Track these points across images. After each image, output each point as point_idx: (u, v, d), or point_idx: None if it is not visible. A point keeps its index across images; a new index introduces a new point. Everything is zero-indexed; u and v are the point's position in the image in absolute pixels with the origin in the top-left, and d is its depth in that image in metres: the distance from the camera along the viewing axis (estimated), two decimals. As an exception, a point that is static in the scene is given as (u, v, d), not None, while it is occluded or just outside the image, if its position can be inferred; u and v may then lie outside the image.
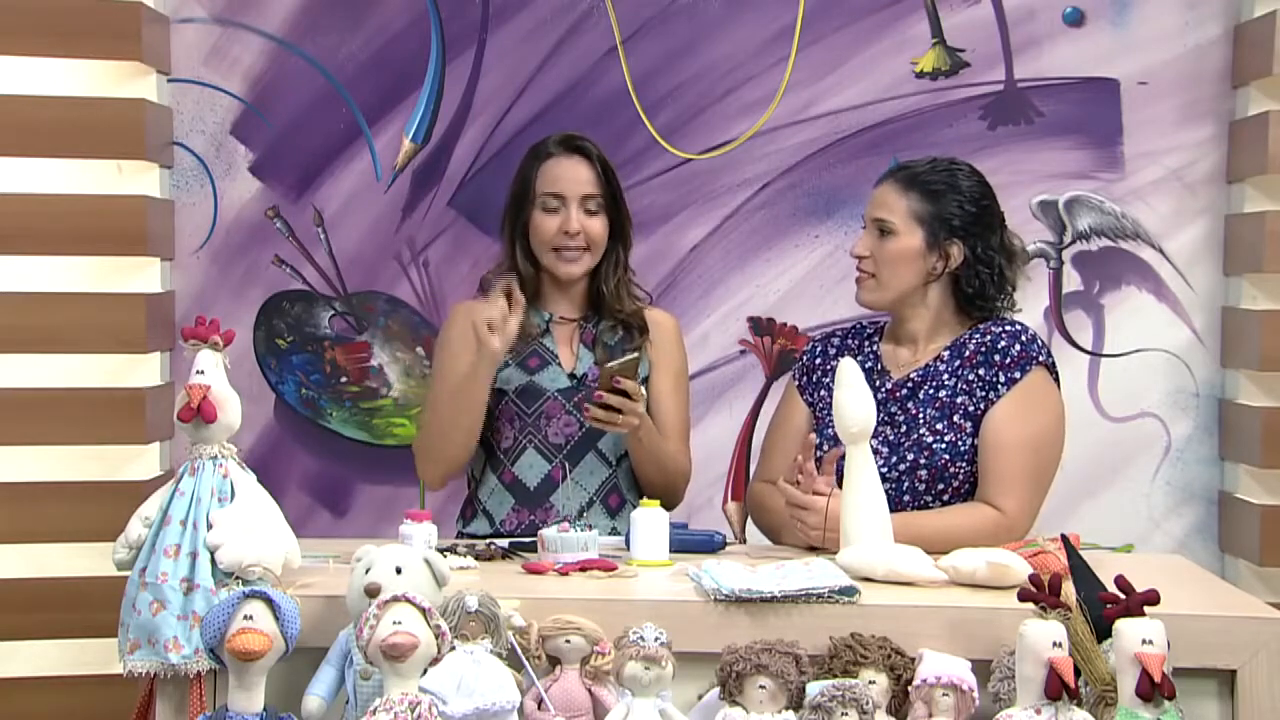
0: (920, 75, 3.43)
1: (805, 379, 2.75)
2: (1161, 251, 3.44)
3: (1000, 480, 2.50)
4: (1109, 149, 3.43)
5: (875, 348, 2.70)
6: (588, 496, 2.77)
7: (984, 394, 2.55)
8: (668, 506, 2.52)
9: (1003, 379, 2.54)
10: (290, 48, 3.43)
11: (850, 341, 2.74)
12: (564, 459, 2.75)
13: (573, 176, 2.78)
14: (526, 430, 2.75)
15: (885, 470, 2.54)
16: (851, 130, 3.43)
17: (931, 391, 2.59)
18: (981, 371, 2.56)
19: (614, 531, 2.73)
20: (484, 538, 2.70)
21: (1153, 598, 1.91)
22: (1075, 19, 3.41)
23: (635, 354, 2.66)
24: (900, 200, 2.59)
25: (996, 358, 2.56)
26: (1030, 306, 3.39)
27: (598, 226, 2.78)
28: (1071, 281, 3.45)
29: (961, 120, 3.41)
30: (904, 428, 2.58)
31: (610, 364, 2.60)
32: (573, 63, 3.44)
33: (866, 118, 3.43)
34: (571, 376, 2.77)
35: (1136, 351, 3.45)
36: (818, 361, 2.74)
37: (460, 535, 2.83)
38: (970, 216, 2.60)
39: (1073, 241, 3.45)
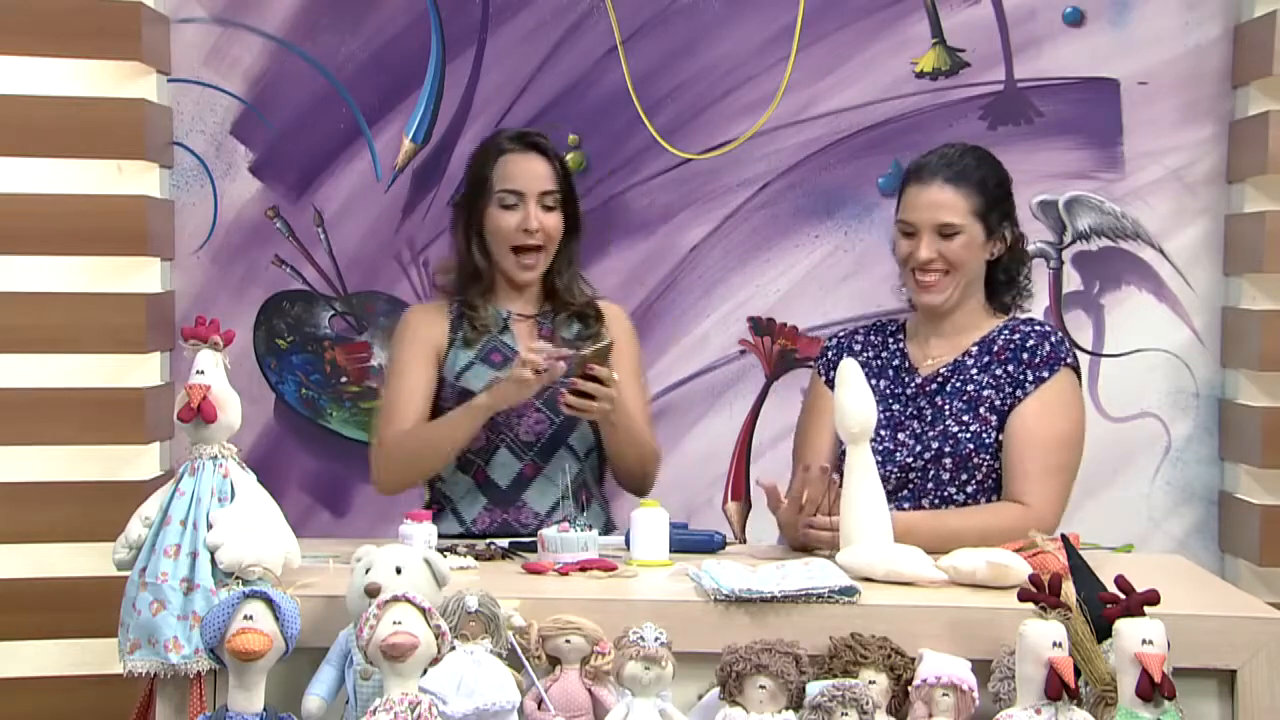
0: (920, 75, 3.43)
1: (833, 373, 2.68)
2: (1161, 251, 3.44)
3: (1026, 476, 2.51)
4: (1109, 149, 3.43)
5: (901, 345, 2.70)
6: (559, 494, 2.77)
7: (1011, 390, 2.57)
8: (642, 490, 2.63)
9: (1030, 377, 2.57)
10: (290, 48, 3.43)
11: (874, 338, 2.73)
12: (536, 456, 2.75)
13: (531, 173, 2.78)
14: (498, 430, 2.74)
15: (911, 460, 2.56)
16: (851, 130, 3.43)
17: (959, 385, 2.60)
18: (1010, 368, 2.59)
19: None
20: (455, 537, 2.69)
21: (1153, 598, 1.91)
22: (1075, 19, 3.41)
23: (608, 340, 2.65)
24: (959, 199, 2.58)
25: (1025, 355, 2.59)
26: (1030, 306, 3.41)
27: (554, 222, 2.78)
28: (1071, 281, 3.45)
29: (961, 120, 3.41)
30: (930, 419, 2.60)
31: (584, 351, 2.60)
32: (573, 63, 3.44)
33: (866, 118, 3.43)
34: (535, 373, 2.76)
35: (1136, 351, 3.45)
36: (845, 358, 2.69)
37: None
38: (1011, 200, 2.66)
39: (1073, 241, 3.45)
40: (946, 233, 2.58)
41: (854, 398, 2.37)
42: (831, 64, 3.43)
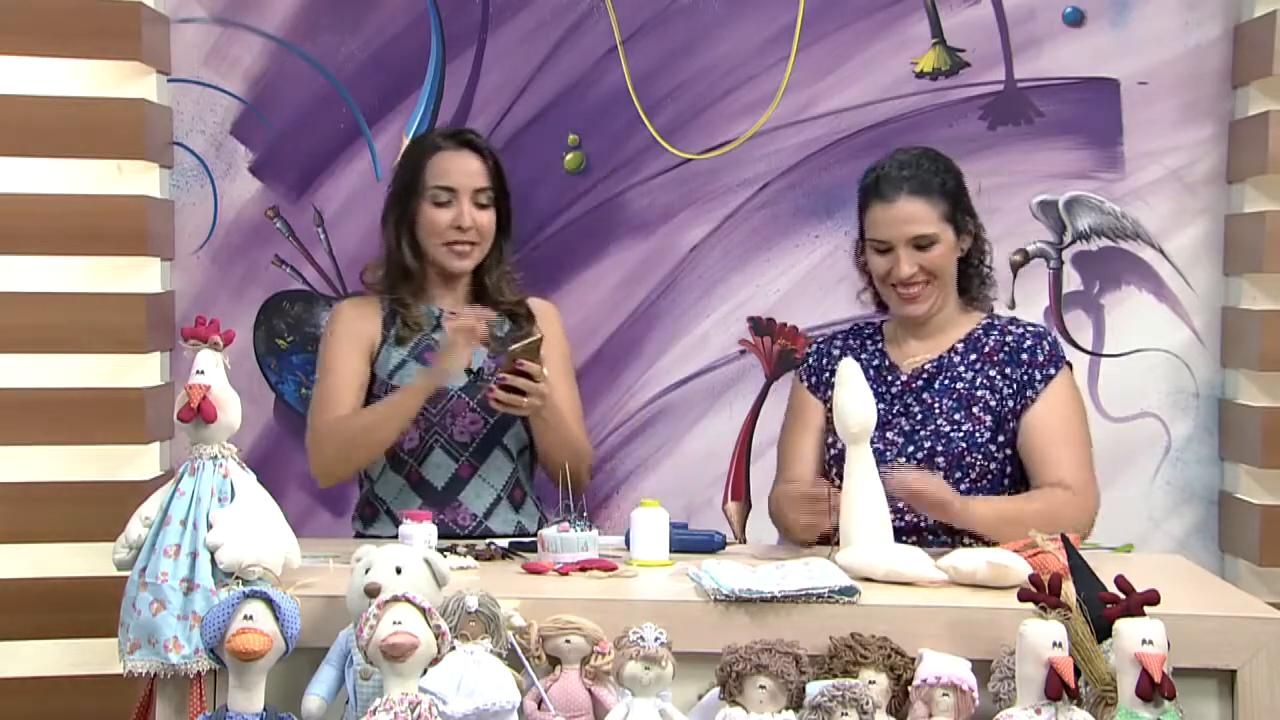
0: (920, 75, 3.43)
1: (815, 379, 2.75)
2: (1161, 251, 3.43)
3: (1060, 465, 2.55)
4: (1109, 149, 3.42)
5: (880, 347, 2.72)
6: (495, 494, 2.77)
7: (1015, 392, 2.59)
8: (580, 490, 2.59)
9: (1039, 377, 2.60)
10: (290, 48, 3.42)
11: (852, 342, 2.76)
12: (471, 457, 2.76)
13: (464, 169, 2.78)
14: (433, 430, 2.74)
15: (903, 460, 2.57)
16: (851, 130, 3.43)
17: (947, 383, 2.62)
18: (1008, 370, 2.61)
19: (519, 527, 2.73)
20: (391, 539, 2.65)
21: (1153, 598, 1.92)
22: (1075, 19, 3.41)
23: (538, 335, 2.64)
24: (928, 209, 2.60)
25: (1025, 357, 2.61)
26: (1030, 306, 3.41)
27: (487, 220, 2.79)
28: (1071, 281, 3.45)
29: (961, 120, 3.41)
30: (919, 417, 2.61)
31: (513, 347, 2.59)
32: (573, 63, 3.44)
33: (866, 118, 3.43)
34: (469, 373, 2.77)
35: (1136, 351, 3.45)
36: (825, 363, 2.74)
37: (360, 536, 2.83)
38: (966, 194, 2.67)
39: (1073, 241, 3.44)
40: (923, 244, 2.60)
41: (854, 398, 2.37)
42: (831, 64, 3.43)
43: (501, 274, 2.85)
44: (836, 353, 2.73)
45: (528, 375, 2.59)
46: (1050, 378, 2.60)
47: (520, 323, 2.84)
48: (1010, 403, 2.59)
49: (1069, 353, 3.37)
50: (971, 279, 2.71)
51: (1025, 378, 2.60)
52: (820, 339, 2.83)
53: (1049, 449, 2.57)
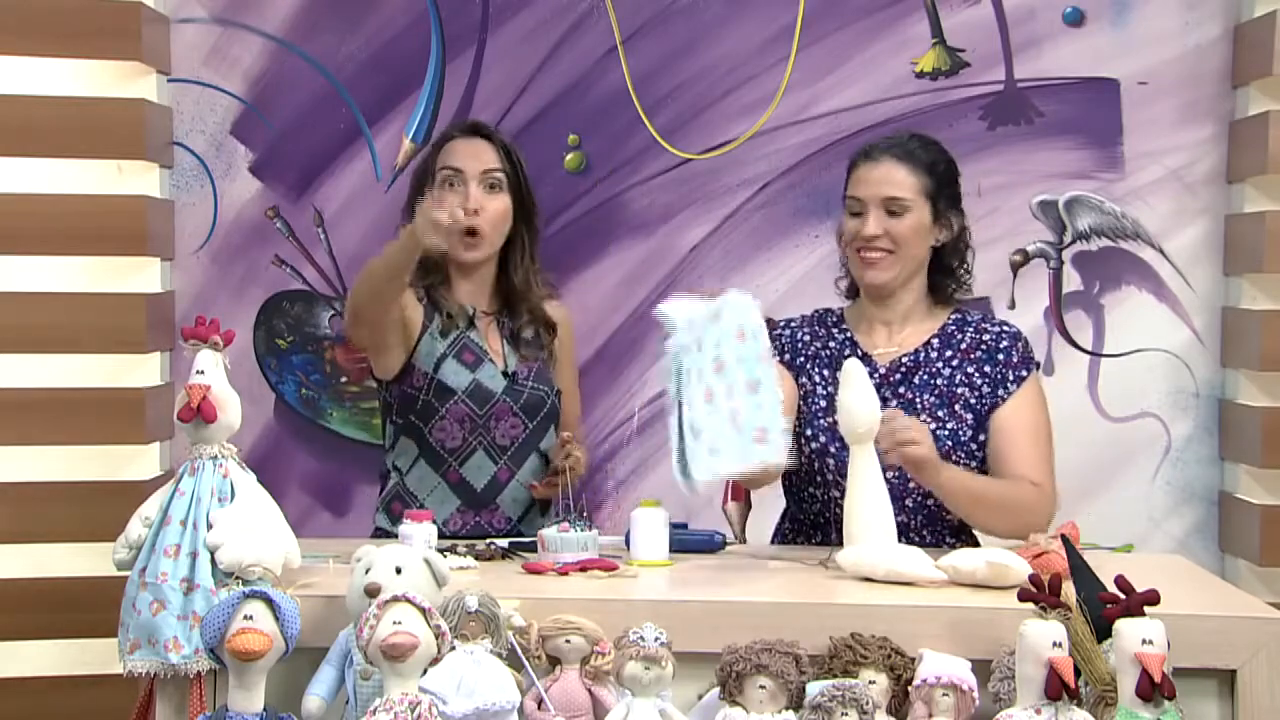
0: (920, 75, 3.43)
1: (789, 359, 2.69)
2: (1161, 251, 3.44)
3: (1027, 461, 2.56)
4: (1109, 149, 3.43)
5: (848, 334, 2.69)
6: (530, 498, 2.78)
7: (990, 390, 2.60)
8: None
9: (1011, 376, 2.60)
10: (290, 48, 3.43)
11: (819, 329, 2.72)
12: (510, 461, 2.77)
13: (472, 153, 2.77)
14: (477, 432, 2.74)
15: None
16: (851, 130, 3.43)
17: (927, 378, 2.61)
18: (987, 369, 2.61)
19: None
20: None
21: (1153, 598, 1.91)
22: (1075, 19, 3.41)
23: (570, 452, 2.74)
24: (909, 177, 2.59)
25: (1001, 357, 2.62)
26: (1030, 306, 3.42)
27: (497, 205, 2.76)
28: (1071, 281, 3.45)
29: (961, 120, 3.41)
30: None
31: (554, 474, 2.72)
32: (573, 63, 3.44)
33: (866, 118, 3.43)
34: (504, 375, 2.77)
35: (1136, 351, 3.45)
36: (799, 347, 2.70)
37: (381, 532, 2.80)
38: (958, 187, 2.66)
39: (1073, 241, 3.45)
40: (895, 209, 2.58)
41: (858, 398, 2.37)
42: (831, 64, 3.43)
43: (527, 270, 2.83)
44: (807, 338, 2.70)
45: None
46: (1022, 379, 2.61)
47: (540, 334, 2.84)
48: (988, 401, 2.60)
49: (1069, 353, 3.43)
50: (945, 277, 2.68)
51: (999, 376, 2.61)
52: (781, 323, 2.76)
53: (1015, 447, 2.57)
